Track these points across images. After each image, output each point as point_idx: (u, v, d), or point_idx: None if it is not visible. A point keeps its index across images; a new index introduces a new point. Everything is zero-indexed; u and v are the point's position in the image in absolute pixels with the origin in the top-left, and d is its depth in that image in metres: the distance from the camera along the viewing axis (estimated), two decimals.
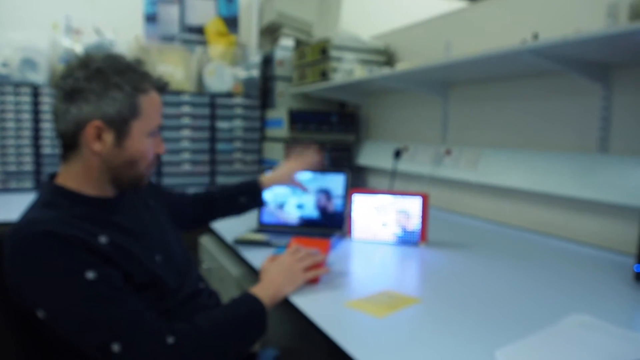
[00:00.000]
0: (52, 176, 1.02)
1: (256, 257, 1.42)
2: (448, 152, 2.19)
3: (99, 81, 0.94)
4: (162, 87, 1.06)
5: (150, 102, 1.01)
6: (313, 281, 1.23)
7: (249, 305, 1.04)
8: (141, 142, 1.01)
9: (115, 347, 0.83)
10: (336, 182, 1.78)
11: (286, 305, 1.11)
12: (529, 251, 1.61)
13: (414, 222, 1.62)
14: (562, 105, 1.77)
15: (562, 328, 0.97)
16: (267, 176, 1.61)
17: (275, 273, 1.15)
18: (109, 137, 0.96)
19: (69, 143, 0.97)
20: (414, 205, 1.62)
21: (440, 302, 1.11)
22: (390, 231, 1.65)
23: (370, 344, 0.89)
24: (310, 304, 1.08)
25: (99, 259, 0.89)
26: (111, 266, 0.91)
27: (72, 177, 0.99)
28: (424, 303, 1.10)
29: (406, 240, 1.63)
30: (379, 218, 1.66)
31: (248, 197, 1.54)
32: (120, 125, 0.97)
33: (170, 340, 0.88)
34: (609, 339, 0.92)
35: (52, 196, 0.97)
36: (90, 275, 0.86)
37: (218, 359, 0.95)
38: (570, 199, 1.70)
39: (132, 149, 1.00)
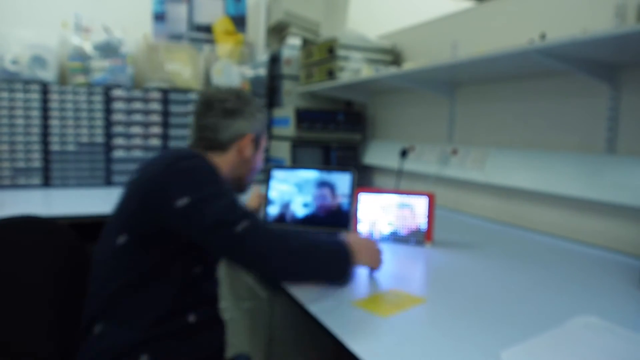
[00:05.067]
0: None
1: None
2: (454, 152, 2.19)
3: (251, 105, 1.31)
4: None
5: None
6: None
7: (340, 244, 1.19)
8: (260, 155, 1.38)
9: (239, 227, 1.04)
10: (342, 181, 1.77)
11: (290, 305, 1.12)
12: (536, 252, 1.61)
13: (420, 222, 1.62)
14: (569, 105, 1.76)
15: (568, 329, 0.96)
16: None
17: (359, 242, 1.25)
18: (252, 147, 1.31)
19: (219, 147, 1.26)
20: (420, 204, 1.62)
21: (446, 302, 1.11)
22: (396, 231, 1.65)
23: (376, 343, 0.89)
24: (316, 303, 1.08)
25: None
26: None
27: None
28: (430, 303, 1.10)
29: (412, 239, 1.63)
30: (385, 217, 1.66)
31: None
32: (258, 140, 1.34)
33: (279, 232, 1.10)
34: (615, 340, 0.91)
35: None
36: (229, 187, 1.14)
37: (305, 268, 1.12)
38: (577, 199, 1.69)
39: (257, 159, 1.36)
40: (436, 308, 1.08)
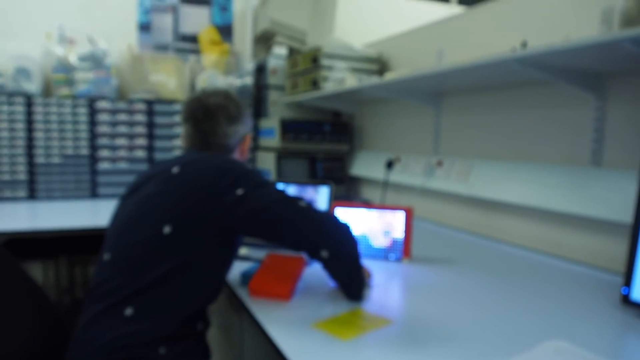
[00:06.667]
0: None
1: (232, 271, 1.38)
2: (439, 164, 2.13)
3: (244, 109, 1.37)
4: None
5: None
6: (284, 298, 1.19)
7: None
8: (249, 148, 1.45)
9: (303, 202, 1.15)
10: (320, 195, 1.72)
11: (248, 325, 1.07)
12: (516, 268, 1.55)
13: (398, 237, 1.57)
14: (554, 116, 1.71)
15: (535, 355, 0.91)
16: None
17: None
18: (248, 144, 1.42)
19: (227, 150, 1.33)
20: (397, 219, 1.57)
21: (413, 324, 1.06)
22: (372, 246, 1.59)
23: None
24: (275, 323, 1.05)
25: None
26: None
27: None
28: (395, 325, 1.05)
29: (389, 255, 1.57)
30: (362, 232, 1.60)
31: None
32: (249, 136, 1.41)
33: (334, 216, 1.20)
34: None
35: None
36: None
37: (354, 252, 1.18)
38: (560, 213, 1.63)
39: (247, 154, 1.43)
40: (400, 330, 1.03)
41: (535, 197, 1.68)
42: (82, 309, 1.12)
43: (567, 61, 1.44)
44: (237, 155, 1.37)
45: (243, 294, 1.25)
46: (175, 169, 1.18)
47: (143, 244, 1.11)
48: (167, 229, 1.10)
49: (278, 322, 1.05)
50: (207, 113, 1.29)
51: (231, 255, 1.22)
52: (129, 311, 1.04)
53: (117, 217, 1.23)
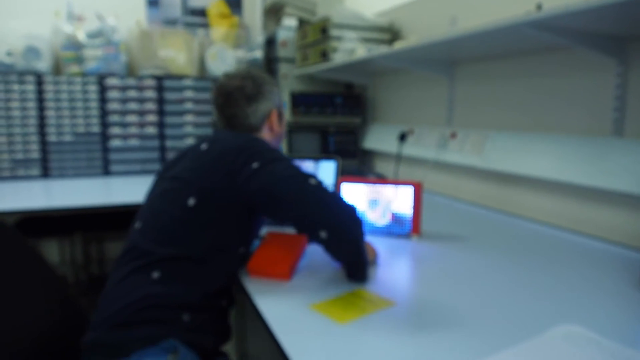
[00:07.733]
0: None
1: None
2: (453, 135, 2.05)
3: (267, 83, 1.35)
4: None
5: None
6: (283, 278, 1.16)
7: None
8: (284, 122, 1.43)
9: (313, 180, 1.11)
10: (326, 170, 1.67)
11: (250, 305, 1.04)
12: (532, 245, 1.48)
13: (406, 213, 1.51)
14: (573, 83, 1.61)
15: (545, 340, 0.85)
16: None
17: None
18: (278, 120, 1.38)
19: (253, 130, 1.33)
20: (406, 194, 1.51)
21: (417, 306, 1.01)
22: (380, 223, 1.54)
23: (319, 354, 0.80)
24: (272, 304, 1.01)
25: None
26: None
27: None
28: (399, 307, 1.00)
29: (397, 232, 1.52)
30: (369, 209, 1.55)
31: None
32: (280, 111, 1.40)
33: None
34: (598, 355, 0.80)
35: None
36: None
37: (359, 235, 1.12)
38: (580, 187, 1.55)
39: (283, 126, 1.42)
40: (404, 313, 0.98)
41: (553, 169, 1.60)
42: (110, 274, 1.15)
43: (586, 24, 1.34)
44: (266, 133, 1.36)
45: (242, 273, 1.22)
46: (204, 146, 1.22)
47: (170, 214, 1.14)
48: (191, 201, 1.13)
49: (275, 303, 1.02)
50: (226, 97, 1.32)
51: (251, 236, 1.23)
52: (156, 274, 1.07)
53: (152, 191, 1.26)
